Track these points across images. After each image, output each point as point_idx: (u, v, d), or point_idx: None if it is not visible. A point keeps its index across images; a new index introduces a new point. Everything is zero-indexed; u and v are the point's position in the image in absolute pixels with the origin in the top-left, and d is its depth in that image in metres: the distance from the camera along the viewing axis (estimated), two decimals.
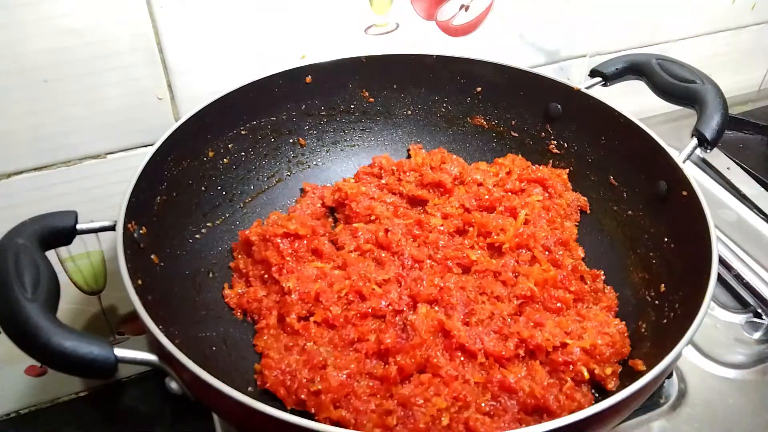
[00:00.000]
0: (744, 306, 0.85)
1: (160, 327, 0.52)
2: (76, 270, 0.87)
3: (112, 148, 0.79)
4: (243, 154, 0.81)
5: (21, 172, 0.76)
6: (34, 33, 0.68)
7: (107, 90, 0.75)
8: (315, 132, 0.87)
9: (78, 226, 0.60)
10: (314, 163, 0.88)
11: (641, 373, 0.52)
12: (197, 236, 0.75)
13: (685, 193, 0.68)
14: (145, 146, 0.80)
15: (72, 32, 0.70)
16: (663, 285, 0.67)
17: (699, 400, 0.74)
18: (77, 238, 0.81)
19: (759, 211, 0.96)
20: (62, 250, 0.84)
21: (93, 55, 0.72)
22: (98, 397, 0.99)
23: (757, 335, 0.82)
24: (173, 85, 0.78)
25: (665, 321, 0.64)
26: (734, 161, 1.04)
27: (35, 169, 0.77)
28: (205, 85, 0.79)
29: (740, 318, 0.84)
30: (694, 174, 1.02)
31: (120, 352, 0.49)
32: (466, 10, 0.90)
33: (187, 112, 0.73)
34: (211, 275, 0.74)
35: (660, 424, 0.72)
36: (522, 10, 0.94)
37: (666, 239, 0.70)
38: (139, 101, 0.77)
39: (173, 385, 0.52)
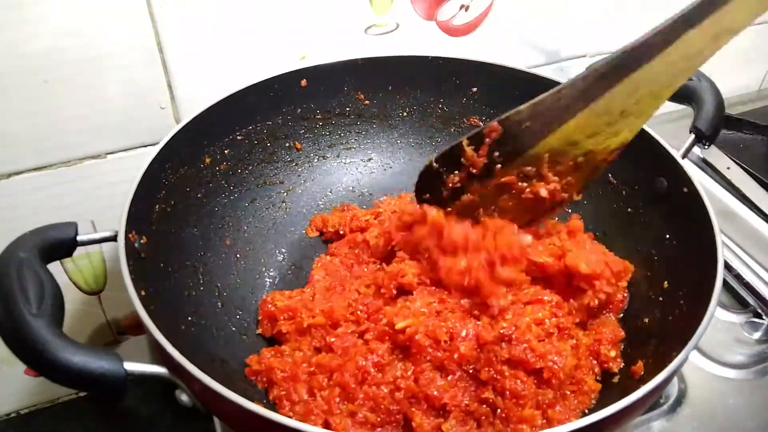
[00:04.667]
0: (744, 306, 0.85)
1: (168, 338, 0.51)
2: (76, 270, 0.87)
3: (112, 148, 0.80)
4: (240, 159, 0.81)
5: (21, 172, 0.76)
6: (34, 33, 0.68)
7: (107, 90, 0.75)
8: (311, 136, 0.87)
9: (79, 238, 0.58)
10: (311, 166, 0.88)
11: (644, 380, 0.51)
12: (199, 243, 0.74)
13: (685, 189, 0.68)
14: (145, 146, 0.81)
15: (72, 32, 0.70)
16: (666, 282, 0.67)
17: (699, 400, 0.74)
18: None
19: (759, 211, 0.95)
20: None
21: (93, 55, 0.72)
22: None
23: (757, 335, 0.82)
24: (173, 85, 0.79)
25: (670, 318, 0.63)
26: (734, 161, 1.04)
27: (35, 169, 0.77)
28: (205, 85, 0.79)
29: (740, 318, 0.83)
30: (694, 174, 1.02)
31: (130, 366, 0.48)
32: (466, 10, 0.90)
33: (187, 112, 0.73)
34: None
35: (660, 424, 0.72)
36: (522, 10, 0.94)
37: (667, 236, 0.70)
38: (139, 101, 0.77)
39: (183, 397, 0.52)
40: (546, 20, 0.96)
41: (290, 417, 0.57)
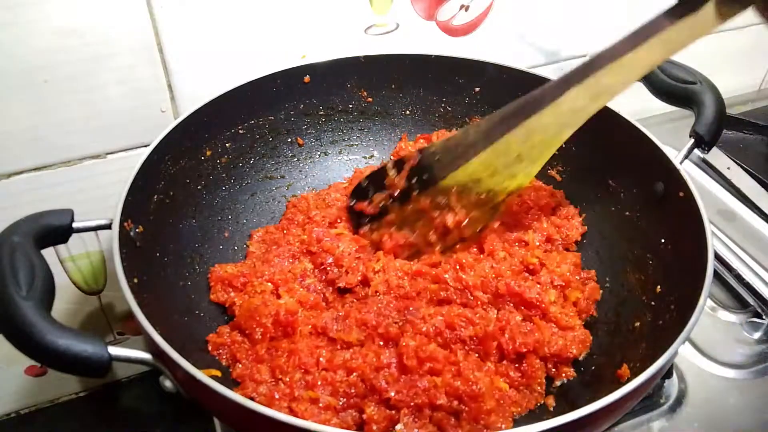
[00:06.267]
0: (744, 306, 0.85)
1: (156, 326, 0.52)
2: (76, 270, 0.87)
3: (112, 148, 0.80)
4: (241, 153, 0.82)
5: (21, 172, 0.76)
6: (34, 33, 0.68)
7: (107, 90, 0.75)
8: (313, 132, 0.88)
9: (74, 225, 0.59)
10: (312, 162, 0.88)
11: (633, 376, 0.52)
12: (198, 234, 0.75)
13: (681, 194, 0.68)
14: (145, 146, 0.80)
15: (72, 32, 0.70)
16: (659, 286, 0.67)
17: (699, 400, 0.74)
18: (78, 239, 0.81)
19: (759, 211, 0.96)
20: (62, 250, 0.84)
21: (93, 55, 0.72)
22: (98, 397, 1.00)
23: (757, 335, 0.82)
24: (173, 85, 0.79)
25: (661, 322, 0.63)
26: (734, 161, 1.04)
27: (35, 169, 0.77)
28: (204, 85, 0.79)
29: (740, 318, 0.83)
30: (694, 174, 1.03)
31: (114, 350, 0.49)
32: (466, 10, 0.90)
33: (187, 112, 0.73)
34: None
35: (660, 424, 0.72)
36: (522, 10, 0.94)
37: (663, 240, 0.70)
38: (139, 101, 0.77)
39: (167, 383, 0.52)
40: (546, 20, 0.96)
41: (254, 398, 0.59)
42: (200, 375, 0.48)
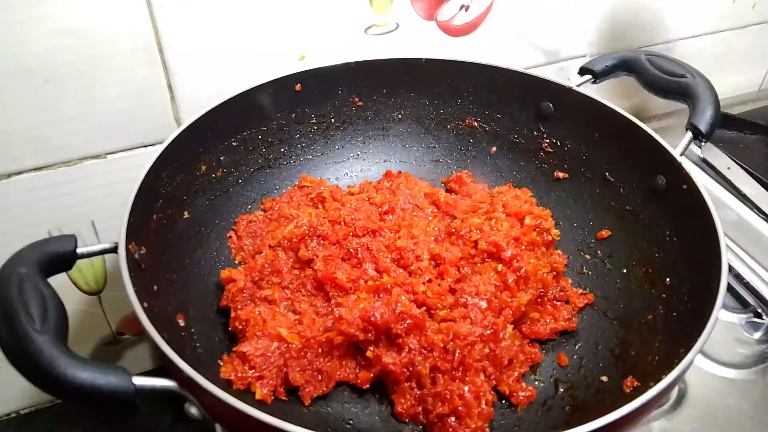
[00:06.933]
0: (744, 306, 0.85)
1: (175, 350, 0.50)
2: (77, 270, 0.87)
3: (112, 148, 0.80)
4: (235, 166, 0.81)
5: (21, 172, 0.76)
6: (34, 33, 0.68)
7: (107, 90, 0.75)
8: (305, 140, 0.86)
9: (78, 250, 0.57)
10: (307, 170, 0.87)
11: (650, 384, 0.51)
12: (199, 251, 0.74)
13: (685, 186, 0.68)
14: (145, 146, 0.80)
15: (72, 32, 0.70)
16: (668, 279, 0.67)
17: (699, 400, 0.74)
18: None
19: (759, 211, 0.96)
20: None
21: (93, 55, 0.72)
22: None
23: (757, 335, 0.82)
24: (173, 85, 0.78)
25: (675, 314, 0.63)
26: (734, 161, 1.04)
27: (35, 169, 0.77)
28: (205, 85, 0.79)
29: (740, 318, 0.83)
30: (694, 174, 1.02)
31: (138, 380, 0.47)
32: (466, 10, 0.90)
33: (187, 112, 0.73)
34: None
35: (660, 424, 0.72)
36: (522, 10, 0.94)
37: (668, 233, 0.70)
38: (138, 101, 0.77)
39: (193, 410, 0.50)
40: (546, 20, 0.96)
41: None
42: (231, 399, 0.47)
